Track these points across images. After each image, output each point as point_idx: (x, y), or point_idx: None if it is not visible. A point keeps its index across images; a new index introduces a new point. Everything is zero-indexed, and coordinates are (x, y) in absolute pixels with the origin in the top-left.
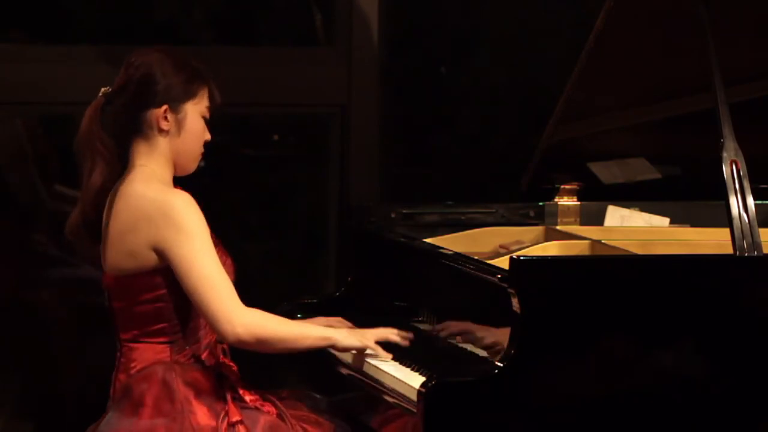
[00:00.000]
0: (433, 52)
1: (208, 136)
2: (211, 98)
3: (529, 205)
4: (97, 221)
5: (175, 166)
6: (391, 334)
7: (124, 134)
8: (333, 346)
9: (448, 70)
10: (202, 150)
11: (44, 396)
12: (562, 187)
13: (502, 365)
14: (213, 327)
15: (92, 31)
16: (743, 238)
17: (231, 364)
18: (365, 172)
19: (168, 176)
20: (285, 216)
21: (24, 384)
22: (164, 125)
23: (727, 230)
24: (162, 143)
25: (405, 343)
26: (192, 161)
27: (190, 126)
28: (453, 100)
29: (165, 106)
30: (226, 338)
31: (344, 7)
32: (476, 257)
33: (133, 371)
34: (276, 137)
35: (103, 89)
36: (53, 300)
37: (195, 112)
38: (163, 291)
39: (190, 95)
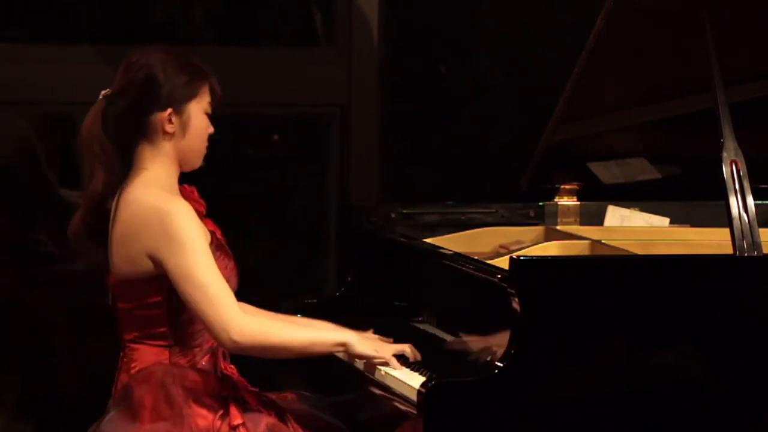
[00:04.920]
0: (433, 52)
1: (211, 130)
2: (212, 93)
3: (529, 205)
4: (98, 225)
5: (181, 165)
6: (407, 347)
7: (127, 138)
8: (346, 352)
9: (448, 70)
10: (207, 144)
11: (44, 396)
12: (562, 186)
13: (502, 365)
14: (210, 334)
15: (92, 31)
16: (743, 238)
17: (231, 367)
18: (365, 172)
19: (173, 178)
20: (285, 216)
21: (24, 384)
22: (169, 128)
23: (727, 230)
24: (167, 146)
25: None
26: (198, 158)
27: (195, 125)
28: (453, 100)
29: (169, 110)
30: (224, 346)
31: (344, 7)
32: (476, 257)
33: (133, 371)
34: (276, 137)
35: (103, 92)
36: (53, 300)
37: (198, 110)
38: (160, 297)
39: (192, 95)
